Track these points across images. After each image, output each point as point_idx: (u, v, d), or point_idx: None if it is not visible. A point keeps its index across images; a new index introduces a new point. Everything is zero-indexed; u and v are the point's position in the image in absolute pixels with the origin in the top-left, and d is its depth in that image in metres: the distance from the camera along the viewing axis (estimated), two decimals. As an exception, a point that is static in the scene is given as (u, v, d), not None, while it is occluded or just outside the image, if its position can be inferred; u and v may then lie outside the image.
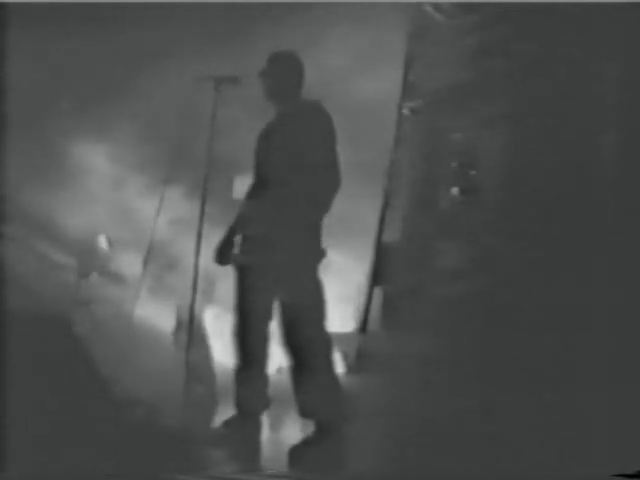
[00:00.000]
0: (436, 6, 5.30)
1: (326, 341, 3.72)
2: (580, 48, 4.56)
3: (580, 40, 4.57)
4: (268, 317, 3.75)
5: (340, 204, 3.78)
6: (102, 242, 5.09)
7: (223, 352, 4.62)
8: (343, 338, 4.79)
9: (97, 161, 4.84)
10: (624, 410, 3.52)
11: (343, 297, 4.94)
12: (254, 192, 3.83)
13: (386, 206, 5.36)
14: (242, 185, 4.06)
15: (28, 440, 2.82)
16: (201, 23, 4.64)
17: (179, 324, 4.90)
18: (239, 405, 3.80)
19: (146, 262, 4.63)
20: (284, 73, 3.84)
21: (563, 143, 4.58)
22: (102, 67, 4.69)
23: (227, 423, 3.80)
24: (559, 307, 4.31)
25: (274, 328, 3.76)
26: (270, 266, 3.63)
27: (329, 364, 3.72)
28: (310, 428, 3.66)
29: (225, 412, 3.91)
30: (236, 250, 3.84)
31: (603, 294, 4.16)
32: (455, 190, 5.10)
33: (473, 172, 5.05)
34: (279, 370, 4.30)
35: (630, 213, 4.21)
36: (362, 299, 5.21)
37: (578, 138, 4.51)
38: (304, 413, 3.68)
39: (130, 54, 4.60)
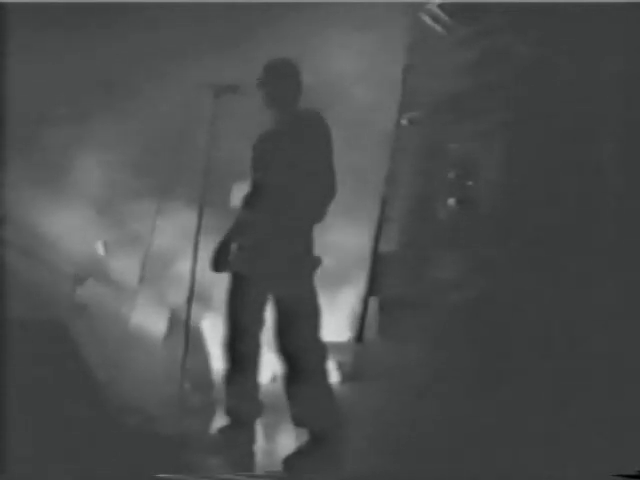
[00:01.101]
0: (434, 17, 5.31)
1: (321, 350, 3.72)
2: (579, 53, 4.57)
3: (579, 44, 4.58)
4: (261, 324, 3.76)
5: (336, 213, 3.79)
6: (99, 248, 5.10)
7: (221, 359, 4.62)
8: (339, 347, 4.79)
9: (95, 167, 4.84)
10: (624, 410, 3.53)
11: (339, 306, 4.95)
12: (250, 199, 3.83)
13: (383, 216, 5.36)
14: (240, 193, 4.07)
15: (27, 444, 2.82)
16: (201, 26, 4.65)
17: (170, 329, 4.90)
18: (230, 413, 3.80)
19: (143, 269, 4.64)
20: (281, 82, 3.85)
21: (561, 153, 4.58)
22: (102, 68, 4.69)
23: (221, 431, 3.80)
24: (557, 316, 4.30)
25: (267, 335, 3.77)
26: (265, 274, 3.64)
27: (323, 373, 3.72)
28: (304, 437, 3.66)
29: (222, 419, 3.91)
30: (232, 257, 3.84)
31: (602, 302, 4.16)
32: (452, 201, 5.10)
33: (470, 183, 5.05)
34: (274, 378, 4.31)
35: (630, 221, 4.21)
36: (358, 308, 5.21)
37: (577, 147, 4.51)
38: (298, 422, 3.67)
39: (131, 55, 4.60)
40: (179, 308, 4.78)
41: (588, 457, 3.10)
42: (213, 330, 4.85)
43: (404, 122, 5.40)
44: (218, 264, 3.84)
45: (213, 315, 4.84)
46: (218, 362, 4.64)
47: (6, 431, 2.79)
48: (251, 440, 3.81)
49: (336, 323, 4.88)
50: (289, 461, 3.55)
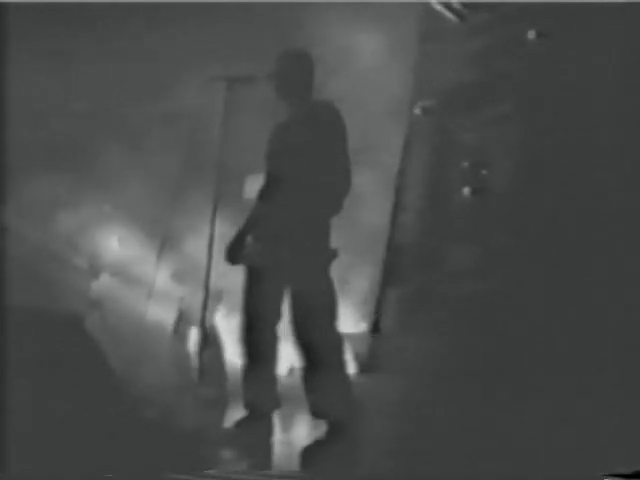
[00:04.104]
0: (447, 6, 5.30)
1: (338, 341, 3.71)
2: (589, 47, 4.56)
3: (588, 39, 4.57)
4: (277, 317, 3.75)
5: (351, 204, 3.78)
6: (114, 242, 5.10)
7: (234, 352, 4.62)
8: (355, 338, 4.79)
9: (108, 163, 4.84)
10: (624, 410, 3.53)
11: (355, 297, 4.94)
12: (265, 192, 3.81)
13: (397, 206, 5.35)
14: (253, 185, 4.06)
15: (31, 440, 2.82)
16: (210, 24, 4.64)
17: (180, 318, 4.90)
18: (248, 405, 3.80)
19: (158, 262, 4.63)
20: (294, 72, 3.83)
21: (574, 142, 4.57)
22: (105, 67, 4.69)
23: (239, 423, 3.80)
24: (571, 307, 4.30)
25: (283, 328, 3.76)
26: (281, 266, 3.63)
27: (341, 364, 3.71)
28: (322, 428, 3.66)
29: (238, 412, 3.91)
30: (247, 250, 3.83)
31: (614, 294, 4.15)
32: (466, 190, 5.09)
33: (484, 172, 5.04)
34: (290, 370, 4.31)
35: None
36: (374, 299, 5.20)
37: (589, 137, 4.50)
38: (316, 413, 3.67)
39: (134, 53, 4.60)
40: (193, 301, 4.78)
41: (585, 456, 3.10)
42: (226, 322, 4.86)
43: (417, 111, 5.39)
44: (233, 257, 3.82)
45: (225, 308, 4.85)
46: (231, 355, 4.65)
47: (9, 428, 2.78)
48: (269, 432, 3.81)
49: (352, 314, 4.88)
50: (307, 452, 3.55)
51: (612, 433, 3.31)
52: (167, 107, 4.62)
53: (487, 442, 3.39)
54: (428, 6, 5.28)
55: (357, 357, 4.84)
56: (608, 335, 4.06)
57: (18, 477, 2.74)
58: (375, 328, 5.16)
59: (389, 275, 5.25)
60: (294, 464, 3.49)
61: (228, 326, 4.81)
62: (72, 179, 4.73)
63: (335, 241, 3.75)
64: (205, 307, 4.09)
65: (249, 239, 3.82)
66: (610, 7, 4.34)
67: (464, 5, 5.27)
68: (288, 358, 4.01)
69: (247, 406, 3.80)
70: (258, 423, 3.79)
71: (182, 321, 4.97)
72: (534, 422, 3.57)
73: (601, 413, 3.54)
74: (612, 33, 4.48)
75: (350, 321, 4.68)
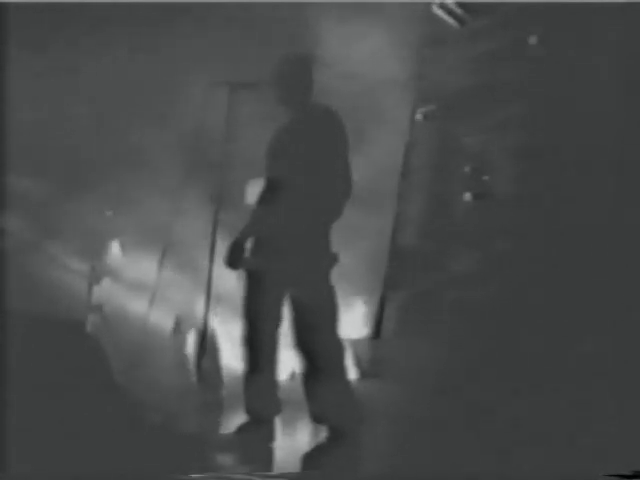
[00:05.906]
0: (448, 11, 5.31)
1: (339, 346, 3.71)
2: (589, 49, 4.56)
3: (588, 40, 4.57)
4: (278, 322, 3.75)
5: (353, 209, 3.78)
6: (115, 247, 5.11)
7: (233, 357, 4.62)
8: (356, 344, 4.79)
9: (109, 165, 4.84)
10: (623, 410, 3.52)
11: (356, 302, 4.94)
12: (266, 196, 3.82)
13: (399, 211, 5.35)
14: (255, 190, 4.06)
15: (31, 442, 2.82)
16: (211, 26, 4.65)
17: (179, 322, 4.91)
18: (249, 411, 3.79)
19: (160, 268, 4.63)
20: (294, 77, 3.83)
21: (576, 147, 4.57)
22: (106, 69, 4.69)
23: (240, 429, 3.80)
24: (572, 311, 4.30)
25: (284, 333, 3.76)
26: (281, 271, 3.62)
27: (342, 369, 3.72)
28: (323, 434, 3.65)
29: (239, 417, 3.90)
30: (247, 254, 3.82)
31: (615, 298, 4.15)
32: (468, 195, 5.09)
33: (486, 177, 5.05)
34: (291, 375, 4.30)
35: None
36: (375, 304, 5.20)
37: (591, 141, 4.50)
38: (317, 419, 3.67)
39: (134, 56, 4.60)
40: (193, 306, 4.78)
41: (584, 457, 3.10)
42: (225, 327, 4.85)
43: (419, 117, 5.40)
44: (233, 261, 3.81)
45: (225, 312, 4.84)
46: (229, 359, 4.65)
47: (10, 429, 2.78)
48: (270, 437, 3.81)
49: (353, 319, 4.88)
50: (308, 458, 3.55)
51: (612, 433, 3.30)
52: (168, 111, 4.62)
53: (488, 446, 3.39)
54: (428, 11, 5.28)
55: (358, 362, 4.84)
56: (609, 337, 4.07)
57: (18, 477, 2.74)
58: (376, 333, 5.16)
59: (391, 280, 5.25)
60: (295, 469, 3.48)
61: (227, 331, 4.81)
62: (73, 183, 4.74)
63: (337, 247, 3.76)
64: (207, 312, 4.10)
65: (249, 244, 3.83)
66: (610, 7, 4.34)
67: (464, 9, 5.28)
68: (289, 363, 4.00)
69: (248, 411, 3.80)
70: (259, 428, 3.78)
71: (182, 326, 4.97)
72: (534, 423, 3.57)
73: (601, 414, 3.53)
74: (612, 33, 4.48)
75: (351, 326, 4.68)
